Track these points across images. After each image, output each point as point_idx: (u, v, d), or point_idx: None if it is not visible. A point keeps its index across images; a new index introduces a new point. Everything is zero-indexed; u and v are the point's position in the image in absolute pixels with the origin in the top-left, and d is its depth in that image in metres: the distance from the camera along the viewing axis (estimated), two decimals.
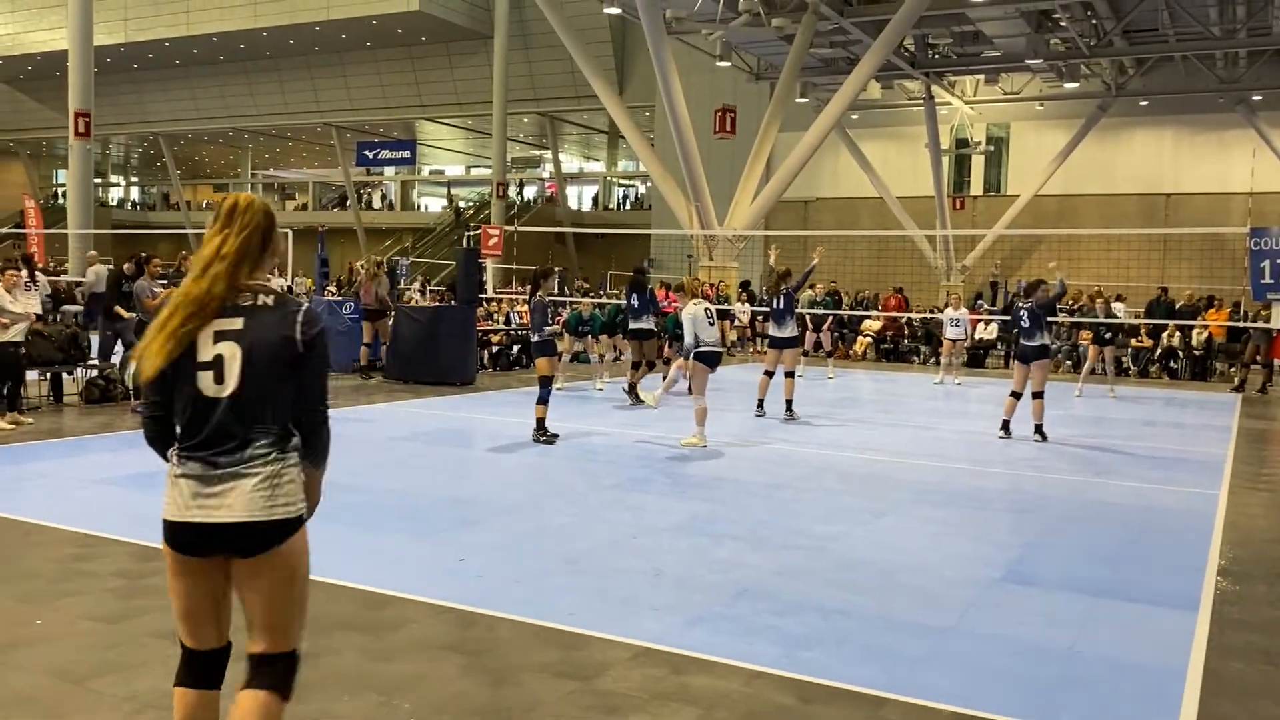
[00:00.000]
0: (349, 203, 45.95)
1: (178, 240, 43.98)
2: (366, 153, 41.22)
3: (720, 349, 10.41)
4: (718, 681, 4.03)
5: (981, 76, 27.96)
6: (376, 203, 51.57)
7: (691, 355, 9.98)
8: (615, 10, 21.83)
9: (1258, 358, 18.23)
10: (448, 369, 14.51)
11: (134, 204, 58.85)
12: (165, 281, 13.09)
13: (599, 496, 7.50)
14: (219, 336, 2.60)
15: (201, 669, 2.74)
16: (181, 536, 2.64)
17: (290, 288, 15.87)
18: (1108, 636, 4.75)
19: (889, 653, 4.42)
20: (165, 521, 2.66)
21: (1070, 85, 26.15)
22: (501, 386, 14.97)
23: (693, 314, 10.07)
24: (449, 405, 12.60)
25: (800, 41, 21.01)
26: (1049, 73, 25.65)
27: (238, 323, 2.62)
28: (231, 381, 2.58)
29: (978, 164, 32.15)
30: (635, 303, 13.41)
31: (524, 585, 5.24)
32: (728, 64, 25.11)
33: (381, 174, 50.84)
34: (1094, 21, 22.91)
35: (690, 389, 10.24)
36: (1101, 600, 5.28)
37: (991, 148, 31.68)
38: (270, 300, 2.68)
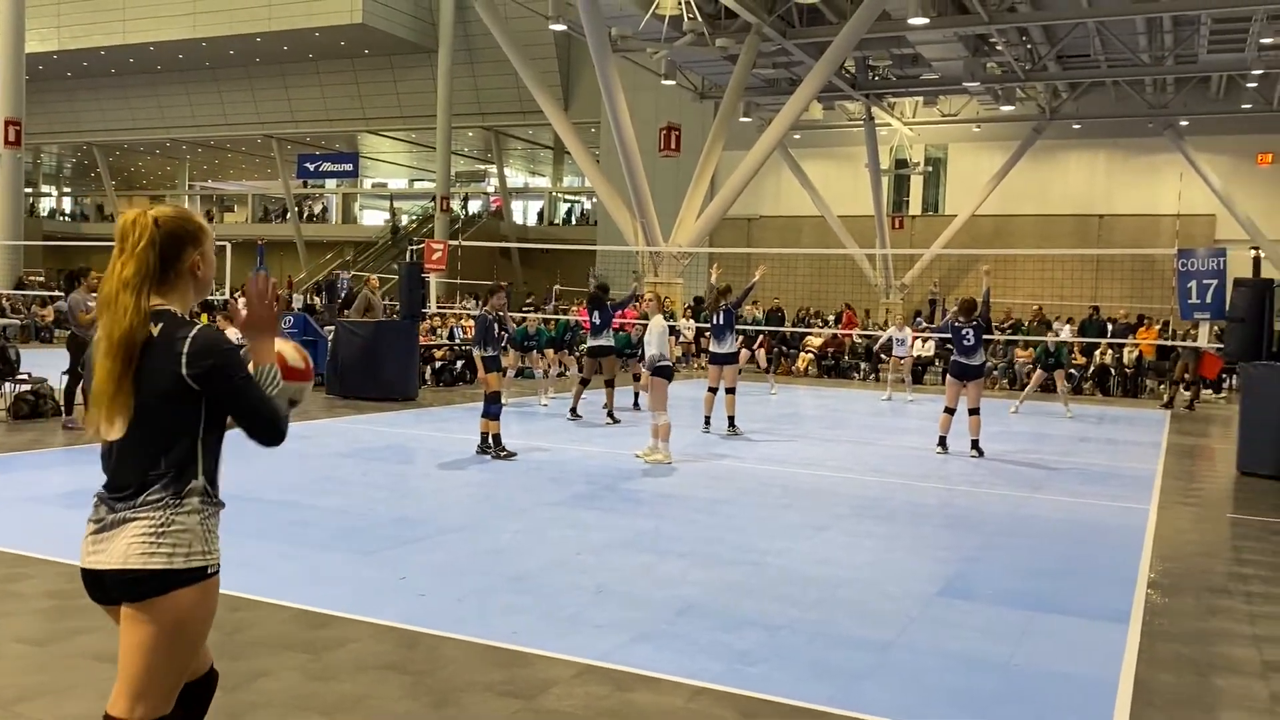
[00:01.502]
0: (289, 215, 45.36)
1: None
2: (307, 165, 40.72)
3: (672, 365, 10.49)
4: (661, 698, 4.04)
5: (920, 98, 28.55)
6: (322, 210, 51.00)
7: (654, 369, 10.02)
8: (561, 27, 21.92)
9: (1186, 375, 18.77)
10: (390, 385, 14.37)
11: (66, 215, 57.44)
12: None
13: (543, 513, 7.47)
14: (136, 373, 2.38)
15: (183, 704, 2.56)
16: (85, 583, 2.45)
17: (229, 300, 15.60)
18: (1043, 649, 4.85)
19: (831, 668, 4.46)
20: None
21: (1006, 108, 26.79)
22: (445, 402, 14.86)
23: (661, 328, 10.13)
24: (391, 421, 12.48)
25: (744, 62, 21.25)
26: (985, 95, 26.25)
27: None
28: (121, 413, 2.37)
29: (916, 184, 32.75)
30: (598, 319, 13.33)
31: (467, 604, 5.20)
32: (672, 82, 25.30)
33: (322, 186, 50.27)
34: (1029, 46, 23.52)
35: (647, 405, 10.31)
36: (1037, 613, 5.39)
37: (930, 168, 32.29)
38: (157, 330, 2.38)
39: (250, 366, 2.49)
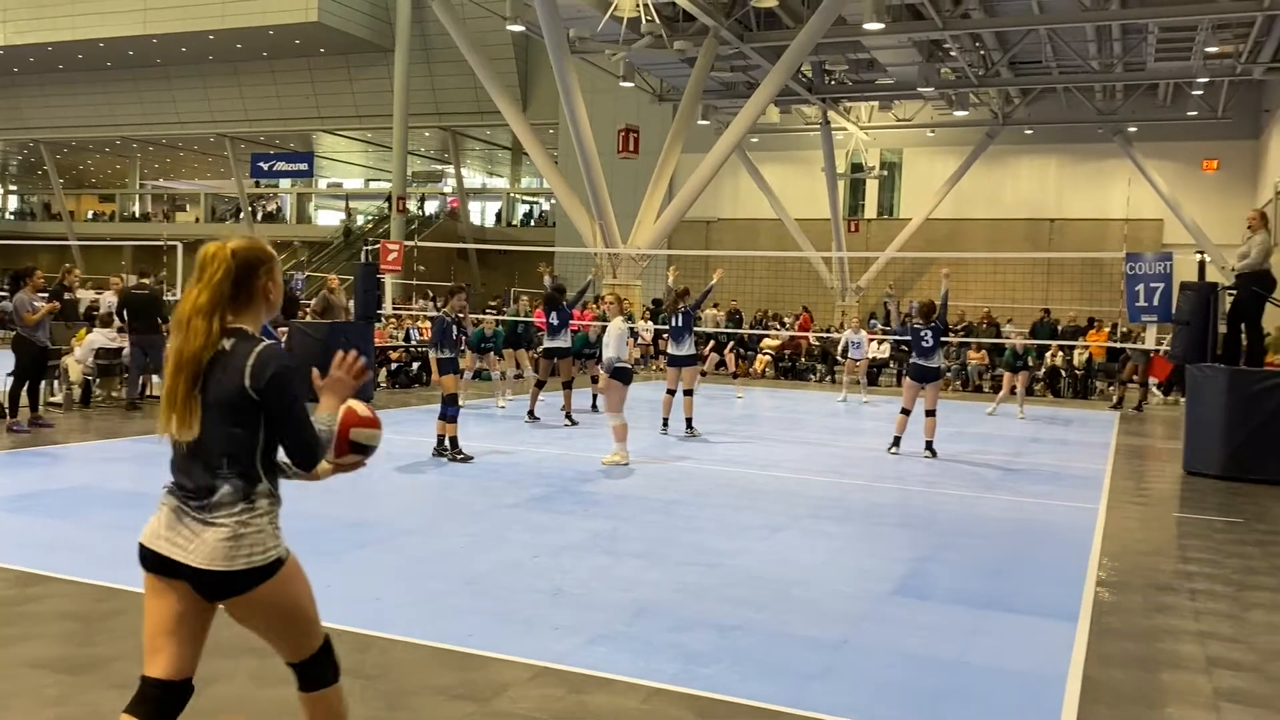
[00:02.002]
0: (242, 215, 44.78)
1: (59, 252, 42.25)
2: (261, 164, 40.23)
3: (631, 367, 10.48)
4: (616, 699, 4.04)
5: (876, 103, 28.83)
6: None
7: (612, 372, 10.01)
8: (518, 28, 21.83)
9: (1135, 376, 19.12)
10: None
11: (12, 214, 56.25)
12: (46, 295, 12.56)
13: (500, 516, 7.44)
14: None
15: (152, 701, 2.69)
16: (148, 560, 2.71)
17: (160, 301, 15.31)
18: (993, 647, 4.91)
19: (784, 667, 4.49)
20: (139, 543, 2.73)
21: (960, 113, 27.13)
22: (400, 404, 14.75)
23: (620, 330, 10.13)
24: None
25: (701, 65, 21.32)
26: (940, 101, 26.58)
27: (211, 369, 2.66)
28: (192, 419, 2.64)
29: (872, 188, 33.05)
30: (555, 320, 13.26)
31: (421, 607, 5.16)
32: (631, 84, 25.33)
33: (277, 186, 49.69)
34: (982, 52, 23.84)
35: (605, 407, 10.29)
36: (988, 612, 5.46)
37: (885, 172, 32.60)
38: (229, 344, 2.67)
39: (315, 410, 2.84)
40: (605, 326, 10.58)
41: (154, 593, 2.72)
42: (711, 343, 20.06)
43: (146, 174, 53.80)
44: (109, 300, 15.45)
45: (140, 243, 30.07)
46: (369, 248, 18.91)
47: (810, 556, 6.56)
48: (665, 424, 12.45)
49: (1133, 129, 28.00)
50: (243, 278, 2.73)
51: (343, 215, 49.69)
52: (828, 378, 22.80)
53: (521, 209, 48.20)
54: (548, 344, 13.38)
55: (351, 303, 17.13)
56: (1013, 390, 16.87)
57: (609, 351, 10.06)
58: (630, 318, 22.18)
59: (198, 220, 50.36)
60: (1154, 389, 20.18)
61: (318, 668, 2.85)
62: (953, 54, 23.00)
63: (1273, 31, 20.21)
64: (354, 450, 2.97)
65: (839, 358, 19.15)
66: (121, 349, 13.13)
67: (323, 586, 5.36)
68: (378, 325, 17.61)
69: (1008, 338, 19.93)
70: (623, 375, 10.04)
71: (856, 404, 17.64)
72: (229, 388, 2.63)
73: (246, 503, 2.67)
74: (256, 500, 2.69)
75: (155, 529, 2.71)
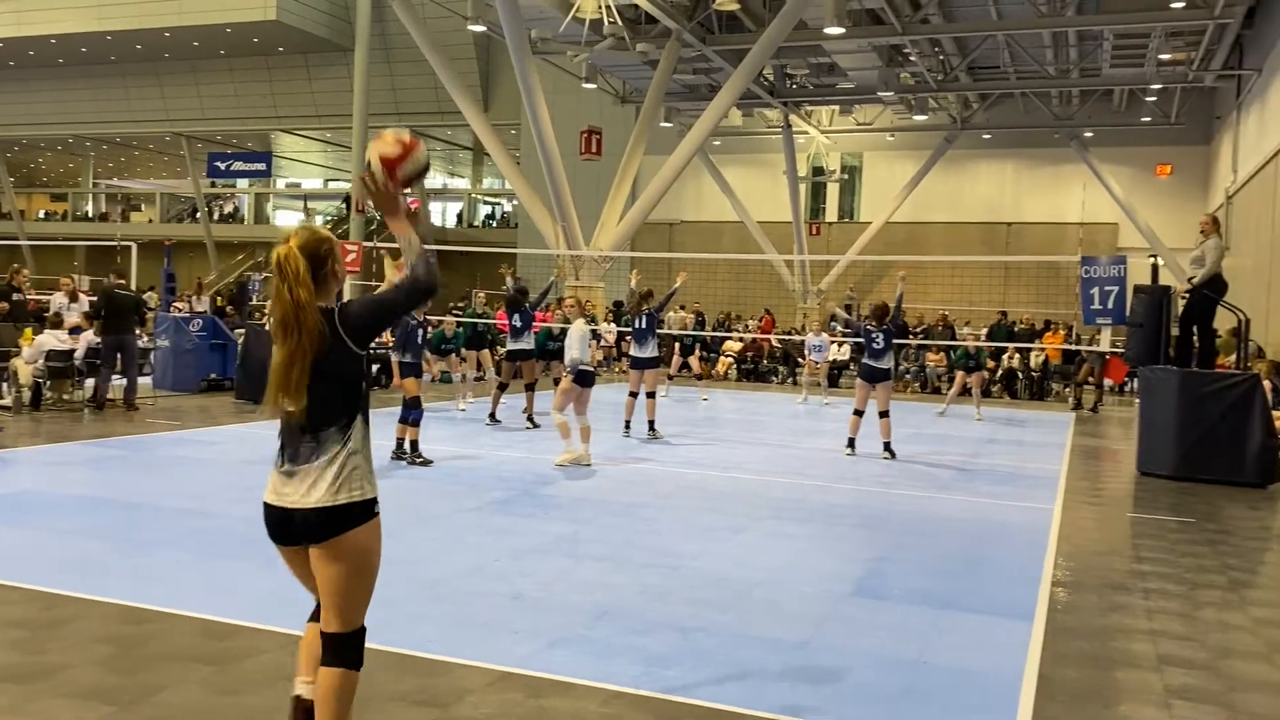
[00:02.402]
0: (199, 215, 44.16)
1: (9, 252, 41.37)
2: (218, 164, 39.69)
3: (593, 370, 10.47)
4: (576, 703, 4.03)
5: (836, 107, 29.05)
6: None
7: (575, 374, 9.99)
8: (480, 28, 21.74)
9: (1090, 378, 19.40)
10: None
11: None
12: None
13: (460, 520, 7.40)
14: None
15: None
16: (272, 521, 3.17)
17: (143, 302, 15.11)
18: (951, 646, 4.96)
19: (746, 669, 4.49)
20: (264, 503, 3.22)
21: (919, 117, 27.40)
22: None
23: (583, 332, 10.11)
24: None
25: (664, 67, 21.35)
26: (899, 105, 26.83)
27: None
28: (302, 393, 3.07)
29: (833, 191, 33.27)
30: (518, 323, 13.18)
31: (381, 612, 5.07)
32: (593, 86, 25.31)
33: (234, 186, 49.06)
34: (941, 57, 24.11)
35: (553, 404, 10.28)
36: (946, 611, 5.51)
37: (845, 176, 32.82)
38: (318, 316, 3.10)
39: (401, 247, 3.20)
40: (565, 329, 10.56)
41: (285, 559, 3.26)
42: (678, 346, 20.09)
43: (100, 173, 52.88)
44: (59, 301, 15.17)
45: (93, 243, 29.59)
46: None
47: (772, 558, 6.58)
48: (628, 426, 12.45)
49: (1088, 134, 28.43)
50: (315, 266, 3.12)
51: (301, 216, 49.15)
52: (790, 379, 22.92)
53: (483, 210, 47.98)
54: (510, 346, 13.30)
55: None
56: (967, 391, 17.05)
57: (573, 353, 10.05)
58: (593, 319, 22.18)
59: (150, 221, 49.56)
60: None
61: (354, 643, 3.17)
62: (912, 59, 23.23)
63: (1223, 40, 20.62)
64: (413, 180, 3.25)
65: (799, 359, 19.27)
66: (73, 351, 12.89)
67: (277, 591, 5.30)
68: None
69: (964, 339, 20.15)
70: (585, 379, 10.03)
71: (817, 405, 17.74)
72: (326, 348, 3.07)
73: (349, 444, 3.12)
74: (356, 442, 3.15)
75: (273, 487, 3.17)
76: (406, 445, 9.74)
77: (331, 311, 3.12)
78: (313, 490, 3.08)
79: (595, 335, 22.01)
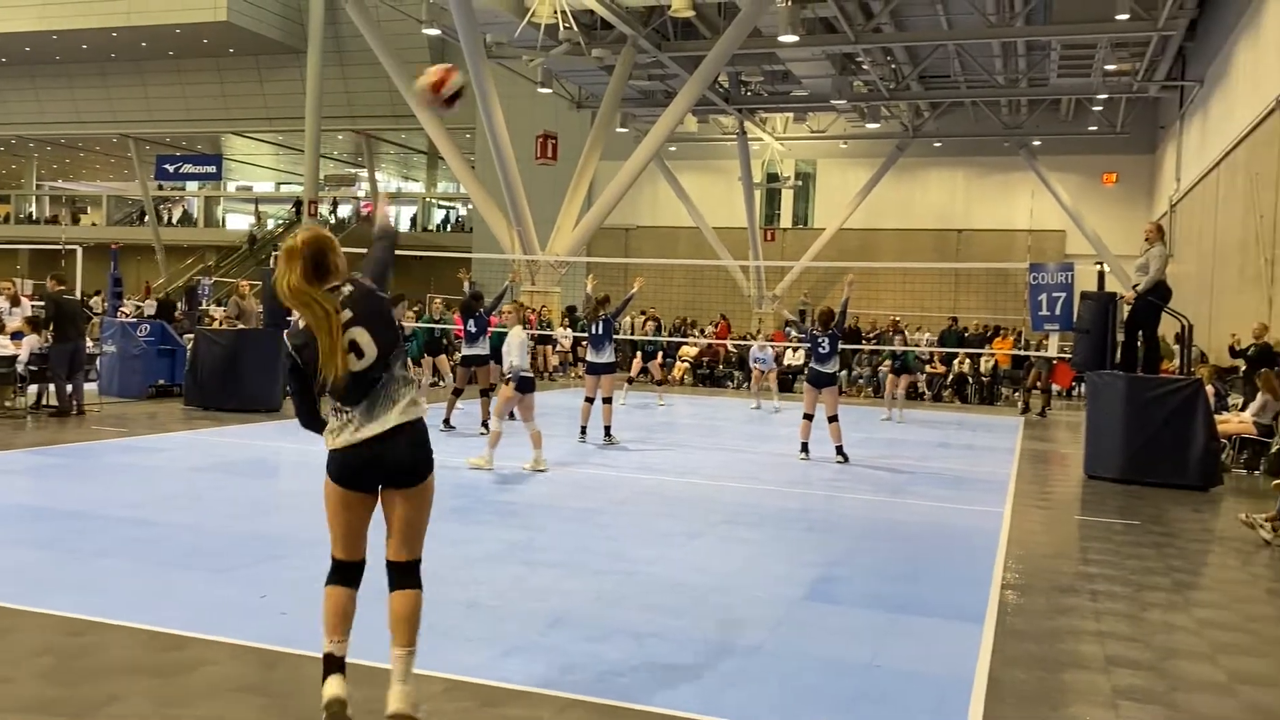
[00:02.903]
0: (147, 218, 43.41)
1: None
2: (167, 166, 39.08)
3: (533, 376, 10.44)
4: (529, 712, 4.00)
5: (791, 114, 29.30)
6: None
7: (517, 381, 9.96)
8: (434, 31, 21.64)
9: (1039, 383, 19.72)
10: (252, 395, 13.88)
11: None
12: None
13: None
14: (345, 328, 3.64)
15: (350, 574, 3.86)
16: (351, 466, 3.70)
17: (88, 307, 14.82)
18: (903, 650, 5.00)
19: (700, 674, 4.50)
20: (333, 452, 3.73)
21: (872, 125, 27.73)
22: None
23: (521, 339, 10.09)
24: (253, 434, 12.05)
25: (619, 73, 21.40)
26: (852, 113, 27.13)
27: (347, 314, 3.65)
28: (371, 352, 3.67)
29: (787, 198, 33.54)
30: (473, 328, 13.08)
31: None
32: (549, 91, 25.28)
33: (183, 189, 48.31)
34: (893, 66, 24.41)
35: (520, 415, 10.26)
36: (897, 615, 5.56)
37: (799, 183, 33.12)
38: (348, 289, 3.72)
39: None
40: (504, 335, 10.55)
41: (346, 506, 3.77)
42: (639, 354, 20.09)
43: (44, 174, 51.84)
44: (0, 305, 14.82)
45: (37, 246, 28.96)
46: (278, 253, 18.51)
47: (726, 563, 6.60)
48: (584, 432, 12.43)
49: (1037, 142, 28.94)
50: (320, 259, 3.68)
51: (252, 220, 48.52)
52: (745, 385, 23.03)
53: (438, 214, 47.69)
54: (465, 351, 13.21)
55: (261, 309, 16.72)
56: (894, 396, 17.31)
57: (513, 359, 10.02)
58: (548, 324, 22.12)
59: (94, 225, 48.63)
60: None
61: (418, 569, 3.84)
62: (865, 67, 23.50)
63: (1166, 51, 21.11)
64: (456, 98, 4.35)
65: (751, 363, 19.39)
66: (14, 357, 12.60)
67: (225, 601, 5.22)
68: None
69: (915, 344, 20.39)
70: (525, 385, 10.01)
71: (769, 411, 17.85)
72: (374, 306, 3.72)
73: (405, 384, 3.77)
74: (417, 392, 3.83)
75: (347, 437, 3.68)
76: None
77: (352, 280, 3.74)
78: (409, 441, 3.72)
79: (551, 340, 22.00)
